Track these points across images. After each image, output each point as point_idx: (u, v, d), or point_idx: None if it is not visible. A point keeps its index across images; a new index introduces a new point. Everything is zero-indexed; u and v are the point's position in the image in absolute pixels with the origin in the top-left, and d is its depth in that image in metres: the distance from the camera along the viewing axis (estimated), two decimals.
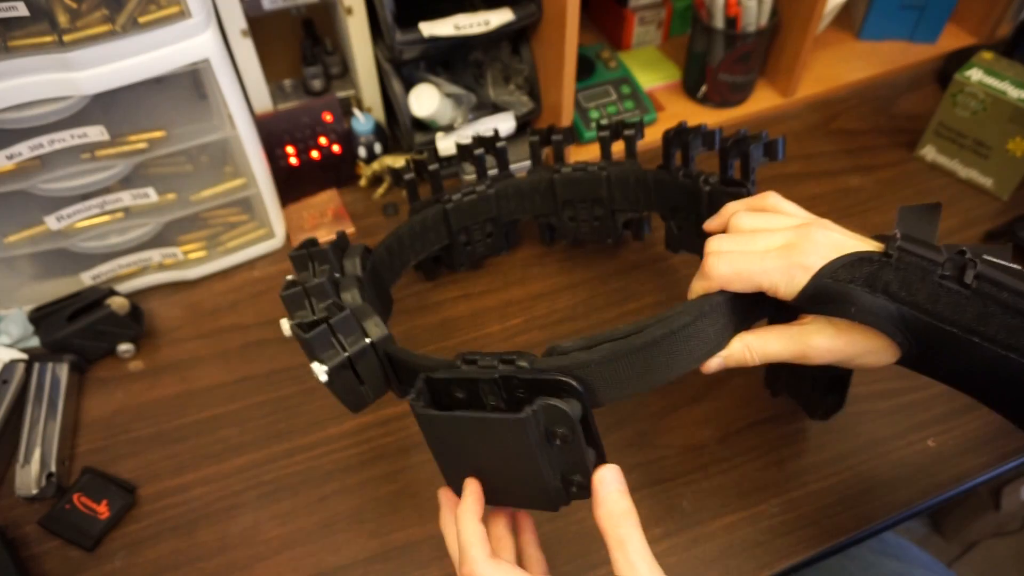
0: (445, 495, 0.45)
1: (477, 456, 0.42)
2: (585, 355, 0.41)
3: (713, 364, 0.44)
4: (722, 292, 0.43)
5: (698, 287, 0.44)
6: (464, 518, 0.41)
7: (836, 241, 0.41)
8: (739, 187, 0.55)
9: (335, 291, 0.50)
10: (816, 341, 0.42)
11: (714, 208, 0.57)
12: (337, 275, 0.53)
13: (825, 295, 0.40)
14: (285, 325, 0.48)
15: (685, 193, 0.60)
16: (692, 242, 0.63)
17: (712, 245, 0.44)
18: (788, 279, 0.41)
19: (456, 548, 0.41)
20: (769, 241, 0.43)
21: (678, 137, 0.62)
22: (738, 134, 0.59)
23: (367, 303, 0.50)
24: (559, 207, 0.68)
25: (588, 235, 0.70)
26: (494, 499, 0.44)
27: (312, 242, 0.55)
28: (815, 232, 0.41)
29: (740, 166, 0.59)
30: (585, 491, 0.41)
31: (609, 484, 0.39)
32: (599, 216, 0.68)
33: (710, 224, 0.50)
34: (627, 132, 0.66)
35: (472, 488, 0.42)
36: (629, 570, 0.37)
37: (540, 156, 0.69)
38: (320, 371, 0.45)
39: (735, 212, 0.46)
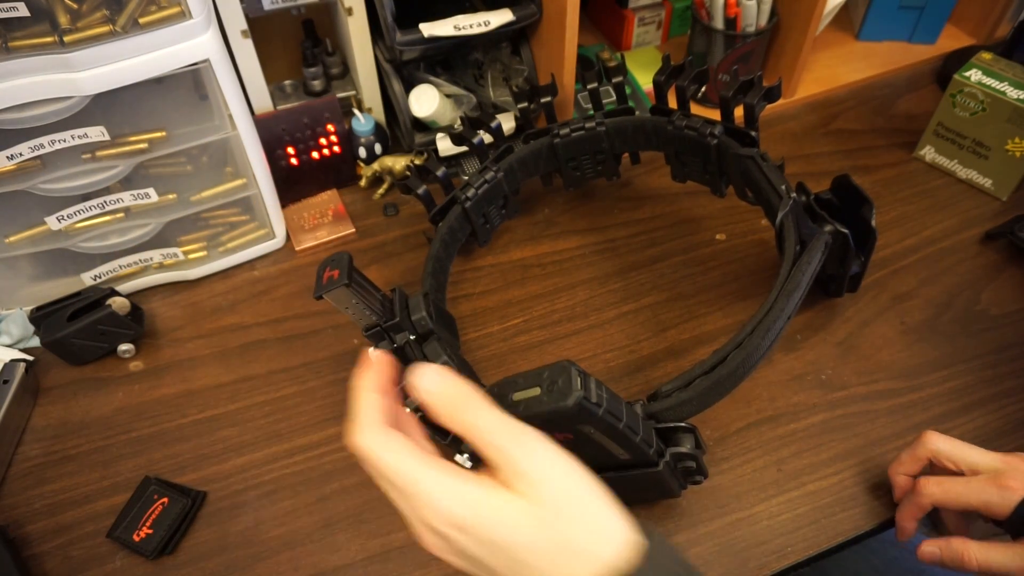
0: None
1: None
2: (686, 394, 0.48)
3: (928, 554, 0.49)
4: (782, 314, 0.50)
5: (908, 504, 0.51)
6: (359, 386, 0.37)
7: None
8: (746, 138, 0.55)
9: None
10: None
11: (722, 158, 0.58)
12: (412, 336, 0.53)
13: None
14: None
15: (688, 141, 0.64)
16: (699, 176, 0.68)
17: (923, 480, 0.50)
18: (1001, 499, 0.46)
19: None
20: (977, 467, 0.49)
21: (669, 80, 0.65)
22: (736, 81, 0.60)
23: (451, 350, 0.53)
24: (563, 163, 0.71)
25: (593, 178, 0.74)
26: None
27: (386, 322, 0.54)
28: (1020, 463, 0.47)
29: (744, 114, 0.60)
30: (700, 474, 0.49)
31: (426, 383, 0.35)
32: (602, 160, 0.72)
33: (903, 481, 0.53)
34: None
35: (377, 361, 0.38)
36: (494, 453, 0.34)
37: (532, 122, 0.71)
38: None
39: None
